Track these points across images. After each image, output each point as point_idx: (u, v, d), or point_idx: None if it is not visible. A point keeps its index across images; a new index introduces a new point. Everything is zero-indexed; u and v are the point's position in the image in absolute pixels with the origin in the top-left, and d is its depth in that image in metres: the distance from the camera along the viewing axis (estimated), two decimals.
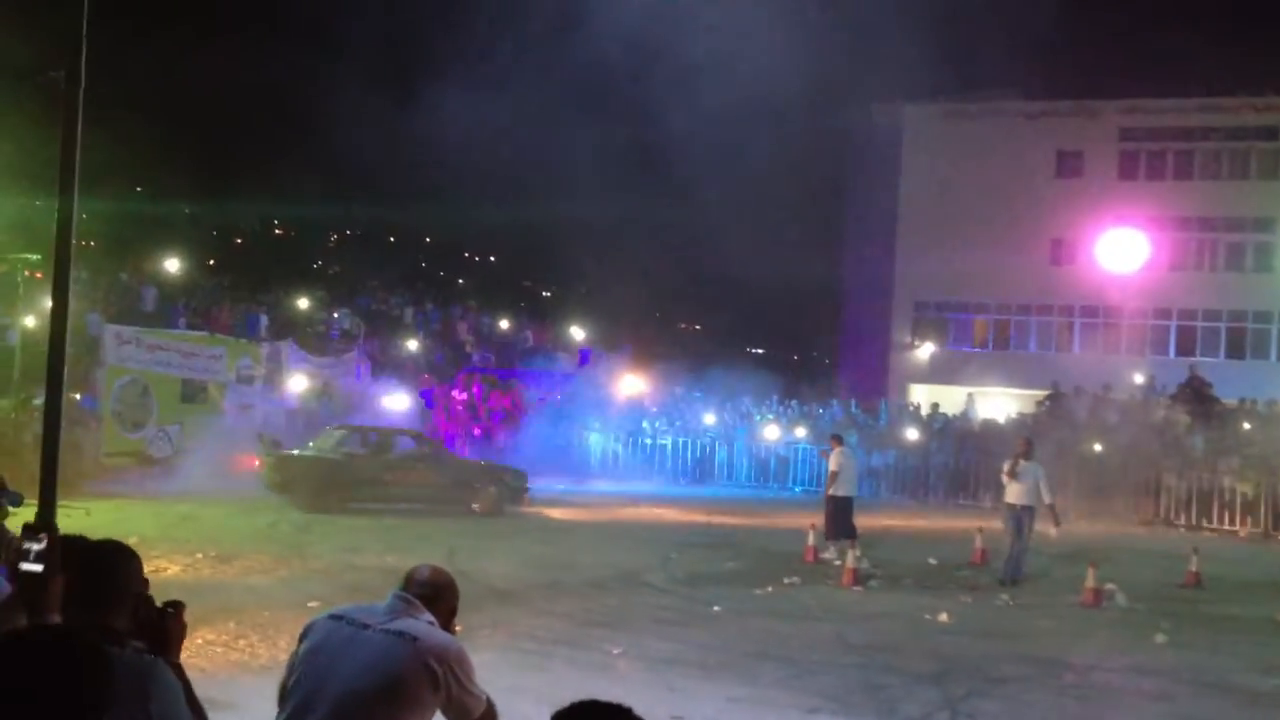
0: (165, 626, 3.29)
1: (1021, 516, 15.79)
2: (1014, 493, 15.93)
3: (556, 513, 21.89)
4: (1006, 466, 16.16)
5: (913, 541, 19.66)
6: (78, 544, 3.53)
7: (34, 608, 3.42)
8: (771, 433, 30.49)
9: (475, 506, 20.77)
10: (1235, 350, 36.41)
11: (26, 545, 3.51)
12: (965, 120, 38.80)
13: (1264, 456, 24.74)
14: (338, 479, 20.27)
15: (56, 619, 3.31)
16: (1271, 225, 36.67)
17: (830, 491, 18.17)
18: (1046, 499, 15.96)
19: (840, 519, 17.68)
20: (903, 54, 33.40)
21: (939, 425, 30.87)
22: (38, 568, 3.48)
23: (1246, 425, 27.38)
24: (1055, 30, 35.59)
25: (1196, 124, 37.39)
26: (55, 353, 3.84)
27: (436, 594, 3.98)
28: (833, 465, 18.38)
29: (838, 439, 19.14)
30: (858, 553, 15.64)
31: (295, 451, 21.52)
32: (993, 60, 35.05)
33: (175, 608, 3.33)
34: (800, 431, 30.33)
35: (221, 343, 28.54)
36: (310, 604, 11.28)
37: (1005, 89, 37.96)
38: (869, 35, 32.80)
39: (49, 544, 3.50)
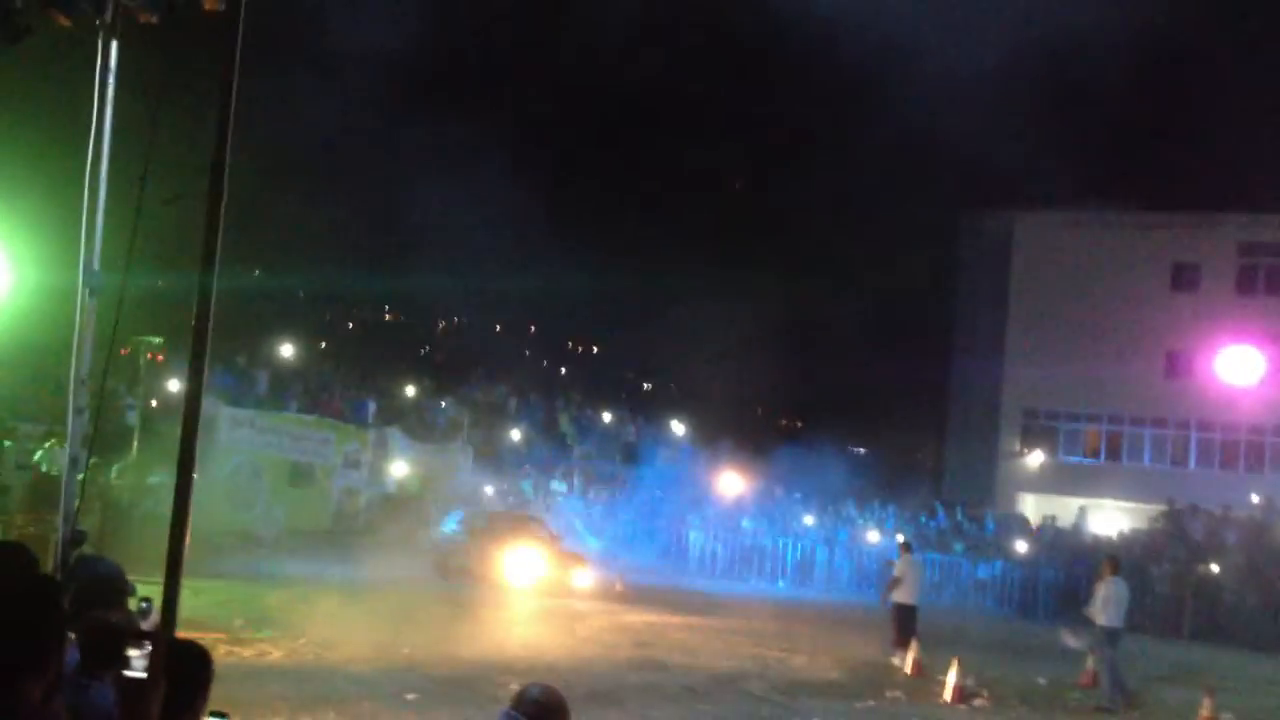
0: None
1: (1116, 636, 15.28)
2: (1111, 614, 15.39)
3: (653, 610, 21.67)
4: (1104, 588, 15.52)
5: (1020, 658, 19.03)
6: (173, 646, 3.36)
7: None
8: (873, 537, 29.97)
9: None
10: None
11: (129, 651, 3.19)
12: (1078, 229, 38.29)
13: None
14: None
15: None
16: None
17: (892, 598, 17.82)
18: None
19: (903, 626, 17.33)
20: (1017, 161, 33.23)
21: (1048, 537, 30.06)
22: (140, 674, 3.20)
23: None
24: (1172, 140, 35.08)
25: None
26: (187, 439, 3.72)
27: (544, 714, 4.07)
28: (896, 571, 18.18)
29: (906, 545, 19.07)
30: (953, 669, 15.18)
31: None
32: (1106, 169, 34.73)
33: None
34: (901, 538, 29.78)
35: (331, 427, 29.04)
36: (408, 696, 11.27)
37: (1120, 199, 37.46)
38: (982, 141, 32.82)
39: (154, 649, 3.20)
